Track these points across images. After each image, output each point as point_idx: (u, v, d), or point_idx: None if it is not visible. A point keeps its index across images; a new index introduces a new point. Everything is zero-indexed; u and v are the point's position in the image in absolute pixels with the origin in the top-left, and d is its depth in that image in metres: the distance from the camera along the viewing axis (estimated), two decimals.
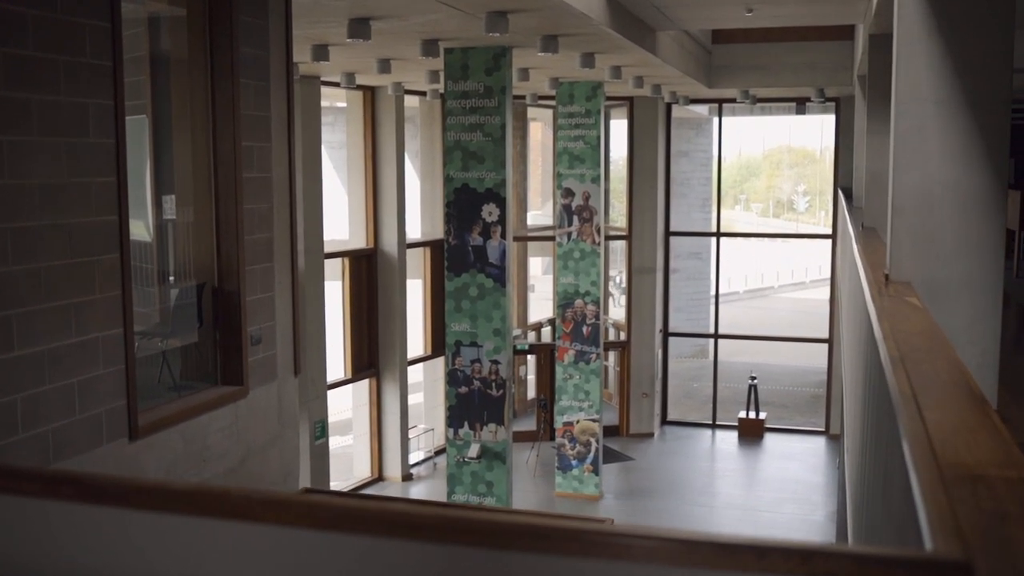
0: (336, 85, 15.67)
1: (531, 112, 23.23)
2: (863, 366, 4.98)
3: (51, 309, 5.28)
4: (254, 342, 7.18)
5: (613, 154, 22.62)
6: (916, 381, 2.82)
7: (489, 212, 12.09)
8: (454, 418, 12.44)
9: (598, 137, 16.92)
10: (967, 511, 1.87)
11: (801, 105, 20.76)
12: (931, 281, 5.68)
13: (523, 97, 19.07)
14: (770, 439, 20.74)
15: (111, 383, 5.80)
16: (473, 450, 12.26)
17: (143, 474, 6.24)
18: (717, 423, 21.64)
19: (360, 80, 15.74)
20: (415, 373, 19.29)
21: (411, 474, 18.16)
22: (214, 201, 6.91)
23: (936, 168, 5.54)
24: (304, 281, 14.53)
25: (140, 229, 8.49)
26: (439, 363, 17.81)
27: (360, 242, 17.57)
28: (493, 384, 12.27)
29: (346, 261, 17.20)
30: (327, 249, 15.86)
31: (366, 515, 1.61)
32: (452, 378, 12.44)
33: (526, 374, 22.77)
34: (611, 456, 19.05)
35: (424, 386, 20.27)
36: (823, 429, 21.00)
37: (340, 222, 18.14)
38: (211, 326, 7.16)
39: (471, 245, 12.14)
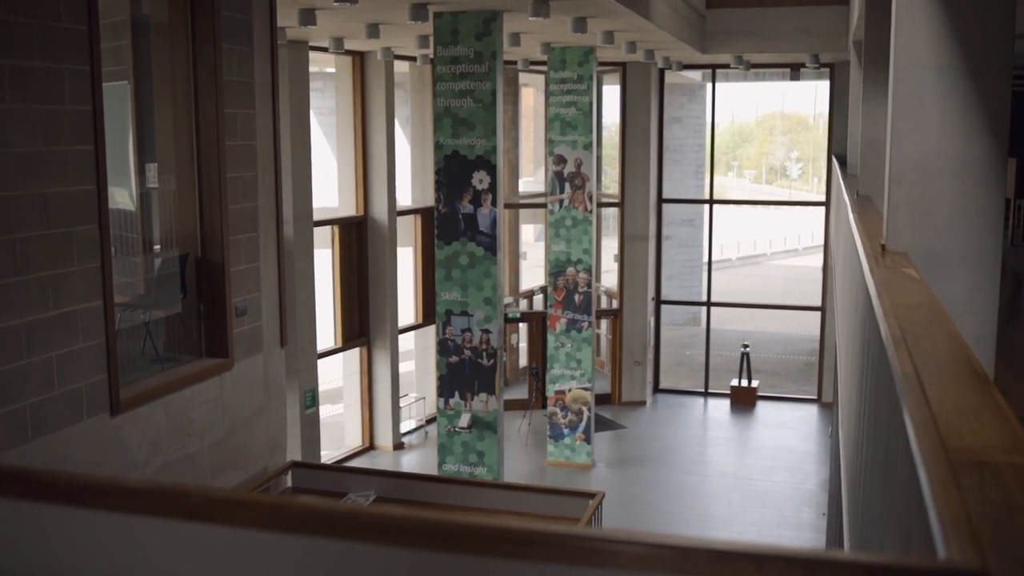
0: (324, 50, 15.45)
1: (523, 78, 23.01)
2: (860, 339, 4.87)
3: (27, 282, 5.15)
4: (239, 313, 7.06)
5: (605, 120, 22.42)
6: (919, 360, 2.71)
7: (480, 179, 11.93)
8: (444, 388, 12.33)
9: (590, 103, 16.74)
10: (975, 503, 1.77)
11: (795, 71, 20.56)
12: (929, 252, 5.57)
13: (514, 63, 18.84)
14: (762, 407, 20.71)
15: (91, 357, 5.69)
16: (464, 420, 12.16)
17: (127, 449, 6.13)
18: (709, 391, 21.59)
19: (349, 45, 15.52)
20: (406, 341, 19.19)
21: (402, 443, 18.10)
22: (196, 169, 6.76)
23: (935, 136, 5.42)
24: (293, 249, 14.39)
25: (124, 198, 8.35)
26: (430, 331, 17.72)
27: (350, 210, 17.40)
28: (484, 354, 12.16)
29: (336, 229, 17.04)
30: (316, 217, 15.70)
31: (335, 518, 1.49)
32: (442, 348, 12.33)
33: (518, 342, 22.68)
34: (603, 424, 19.00)
35: (415, 355, 20.18)
36: (815, 397, 20.97)
37: (330, 190, 17.96)
38: (195, 297, 7.04)
39: (461, 213, 12.00)
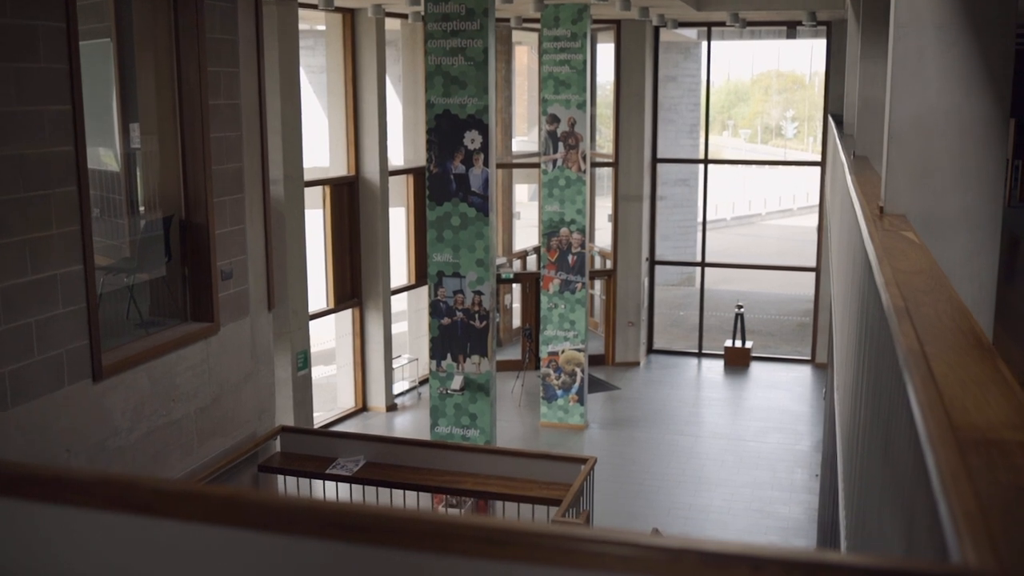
0: (314, 7, 15.19)
1: (516, 36, 22.73)
2: (858, 305, 4.76)
3: (3, 246, 5.01)
4: (224, 277, 6.93)
5: (599, 79, 22.17)
6: (922, 332, 2.60)
7: (472, 139, 11.76)
8: (437, 350, 12.23)
9: (584, 62, 16.51)
10: (984, 486, 1.67)
11: (791, 29, 20.31)
12: (927, 214, 5.46)
13: (507, 20, 18.57)
14: (756, 368, 20.66)
15: (71, 322, 5.56)
16: (456, 382, 12.07)
17: (109, 416, 6.02)
18: (703, 352, 21.52)
19: (339, 2, 15.26)
20: (399, 302, 19.07)
21: (395, 404, 18.04)
22: (179, 129, 6.60)
23: (935, 95, 5.29)
24: (284, 210, 14.22)
25: (108, 158, 8.19)
26: (423, 292, 17.59)
27: (341, 170, 17.21)
28: (476, 315, 12.05)
29: (327, 189, 16.86)
30: (307, 177, 15.50)
31: (294, 513, 1.38)
32: (434, 309, 12.21)
33: (511, 303, 22.57)
34: (596, 385, 18.95)
35: (408, 315, 20.07)
36: (809, 358, 20.92)
37: (321, 149, 17.75)
38: (179, 260, 6.90)
39: (453, 173, 11.84)
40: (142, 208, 7.32)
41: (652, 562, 1.24)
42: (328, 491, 10.08)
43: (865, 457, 3.64)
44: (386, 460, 8.91)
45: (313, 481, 9.09)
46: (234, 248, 7.07)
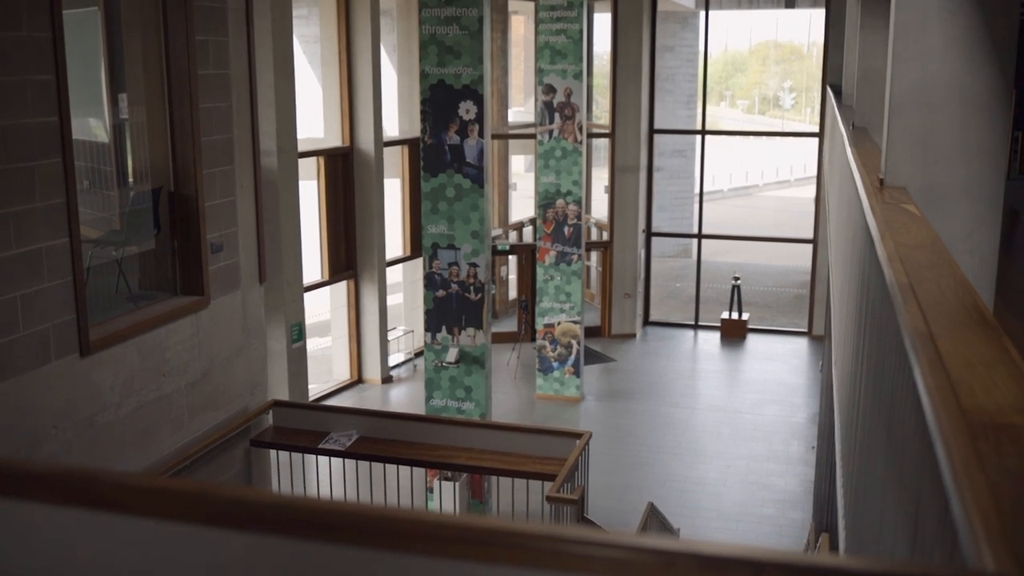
0: None
1: (512, 5, 22.52)
2: (858, 280, 4.68)
3: None
4: (215, 250, 6.83)
5: (596, 49, 21.97)
6: (927, 310, 2.52)
7: (466, 110, 11.63)
8: (432, 322, 12.15)
9: (580, 31, 16.34)
10: (994, 474, 1.59)
11: None
12: (928, 186, 5.38)
13: None
14: (753, 340, 20.61)
15: (58, 297, 5.47)
16: (451, 355, 12.00)
17: (98, 391, 5.94)
18: (699, 324, 21.46)
19: None
20: (394, 274, 18.98)
21: (391, 376, 17.98)
22: (167, 100, 6.48)
23: (937, 65, 5.19)
24: (278, 181, 14.11)
25: (97, 129, 8.07)
26: (419, 264, 17.49)
27: (335, 140, 17.06)
28: (471, 288, 11.96)
29: (321, 160, 16.72)
30: (301, 148, 15.36)
31: (264, 510, 1.29)
32: (429, 281, 12.12)
33: (507, 274, 22.49)
34: (593, 357, 18.89)
35: (404, 287, 19.98)
36: (806, 330, 20.87)
37: (315, 120, 17.60)
38: (169, 233, 6.80)
39: (448, 144, 11.71)
40: (131, 180, 7.21)
41: (644, 565, 1.15)
42: (321, 465, 10.04)
43: (865, 436, 3.56)
44: (379, 434, 8.84)
45: (306, 456, 9.04)
46: (224, 220, 6.97)
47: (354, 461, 9.17)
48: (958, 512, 1.40)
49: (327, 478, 9.98)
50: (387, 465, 9.19)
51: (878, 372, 3.23)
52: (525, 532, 1.19)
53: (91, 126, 8.04)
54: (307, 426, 8.88)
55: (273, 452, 9.03)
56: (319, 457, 9.10)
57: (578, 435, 8.36)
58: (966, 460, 1.52)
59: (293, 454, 9.13)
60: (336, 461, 9.20)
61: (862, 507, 3.48)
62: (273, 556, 1.28)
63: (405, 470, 9.59)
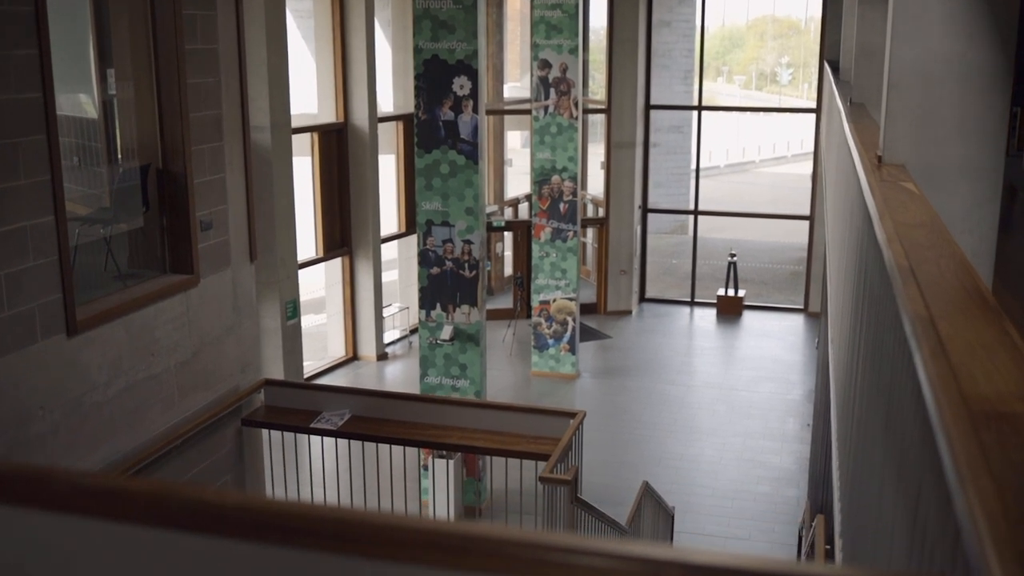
0: None
1: None
2: (856, 259, 4.60)
3: None
4: (204, 227, 6.74)
5: (592, 23, 21.81)
6: (926, 292, 2.45)
7: (460, 85, 11.52)
8: (426, 300, 12.08)
9: (576, 5, 16.19)
10: (997, 466, 1.52)
11: None
12: (927, 164, 5.30)
13: None
14: (748, 316, 20.56)
15: (43, 275, 5.38)
16: (446, 332, 11.94)
17: (86, 371, 5.87)
18: (695, 300, 21.41)
19: None
20: (389, 251, 18.89)
21: (386, 353, 17.93)
22: (155, 75, 6.37)
23: (937, 41, 5.10)
24: (271, 158, 14.00)
25: (87, 105, 7.96)
26: (414, 240, 17.38)
27: (330, 116, 16.93)
28: (466, 265, 11.88)
29: (315, 136, 16.60)
30: (295, 124, 15.25)
31: (228, 513, 1.22)
32: (423, 259, 12.04)
33: (503, 251, 22.40)
34: (588, 334, 18.84)
35: (399, 264, 19.90)
36: (802, 307, 20.82)
37: (309, 95, 17.45)
38: (157, 211, 6.71)
39: (442, 120, 11.60)
40: (120, 157, 7.12)
41: (628, 575, 1.08)
42: (313, 445, 9.98)
43: (863, 420, 3.50)
44: (372, 414, 8.77)
45: (298, 435, 8.98)
46: (214, 198, 6.87)
47: (346, 440, 9.12)
48: (962, 512, 1.33)
49: (320, 457, 9.93)
50: (380, 444, 9.14)
51: (876, 355, 3.17)
52: (505, 539, 1.12)
53: (81, 102, 7.93)
54: (299, 405, 8.82)
55: (265, 431, 8.97)
56: (311, 436, 9.04)
57: (572, 414, 8.30)
58: (970, 457, 1.45)
59: (285, 433, 9.07)
60: (329, 440, 9.15)
61: (858, 492, 3.42)
62: (235, 560, 1.21)
63: (399, 448, 9.54)
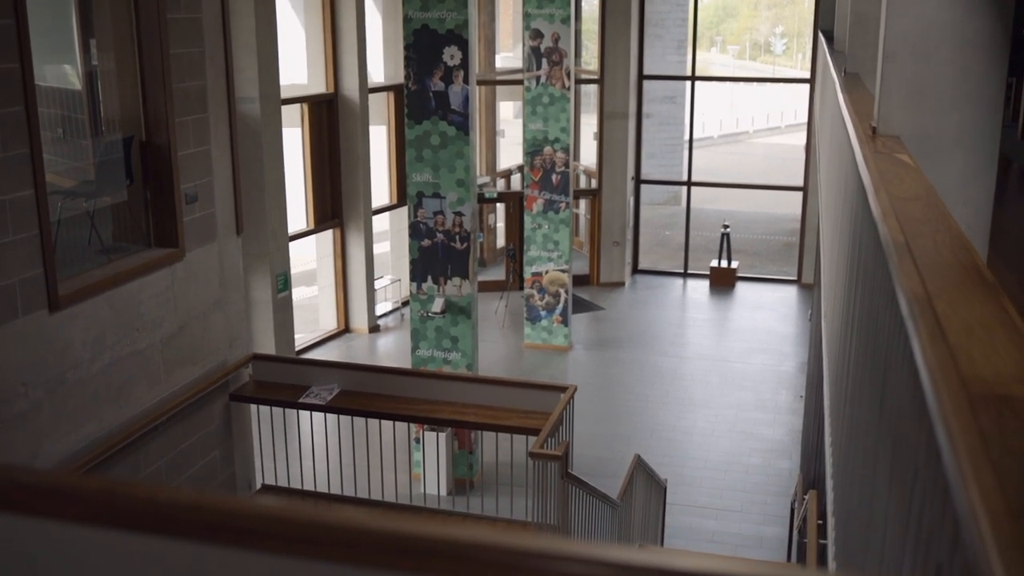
0: None
1: None
2: (849, 230, 4.53)
3: None
4: (189, 200, 6.64)
5: None
6: (923, 269, 2.37)
7: (451, 55, 11.38)
8: (417, 272, 12.00)
9: None
10: (996, 452, 1.45)
11: None
12: (922, 135, 5.22)
13: None
14: (741, 288, 20.51)
15: (24, 250, 5.29)
16: (437, 305, 11.86)
17: (68, 347, 5.78)
18: (688, 272, 21.35)
19: None
20: (381, 222, 18.78)
21: (378, 326, 17.86)
22: (137, 45, 6.25)
23: (934, 10, 5.01)
24: (260, 129, 13.86)
25: (70, 76, 7.84)
26: (406, 212, 17.28)
27: (320, 87, 16.78)
28: (457, 237, 11.79)
29: (305, 107, 16.45)
30: (285, 95, 15.09)
31: (185, 515, 1.15)
32: (414, 231, 11.95)
33: (495, 222, 22.30)
34: (581, 306, 18.78)
35: (390, 236, 19.79)
36: (795, 278, 20.77)
37: (298, 66, 17.28)
38: (141, 184, 6.60)
39: (432, 91, 11.47)
40: (104, 128, 7.01)
41: None
42: (303, 419, 9.93)
43: (856, 397, 3.43)
44: (361, 388, 8.70)
45: (287, 410, 8.91)
46: (199, 170, 6.77)
47: (336, 415, 9.07)
48: (962, 507, 1.26)
49: (309, 431, 9.88)
50: (369, 419, 9.09)
51: (870, 332, 3.10)
52: (475, 543, 1.05)
53: (65, 73, 7.81)
54: (288, 380, 8.74)
55: (253, 407, 8.91)
56: (300, 411, 8.98)
57: (563, 389, 8.24)
58: (971, 449, 1.37)
59: (274, 408, 9.00)
60: (318, 414, 9.09)
61: (851, 471, 3.36)
62: (189, 562, 1.14)
63: (388, 424, 9.48)
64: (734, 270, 20.69)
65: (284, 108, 14.97)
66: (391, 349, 16.94)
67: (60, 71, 7.72)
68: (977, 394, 1.71)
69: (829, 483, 4.23)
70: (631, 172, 20.60)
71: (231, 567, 1.12)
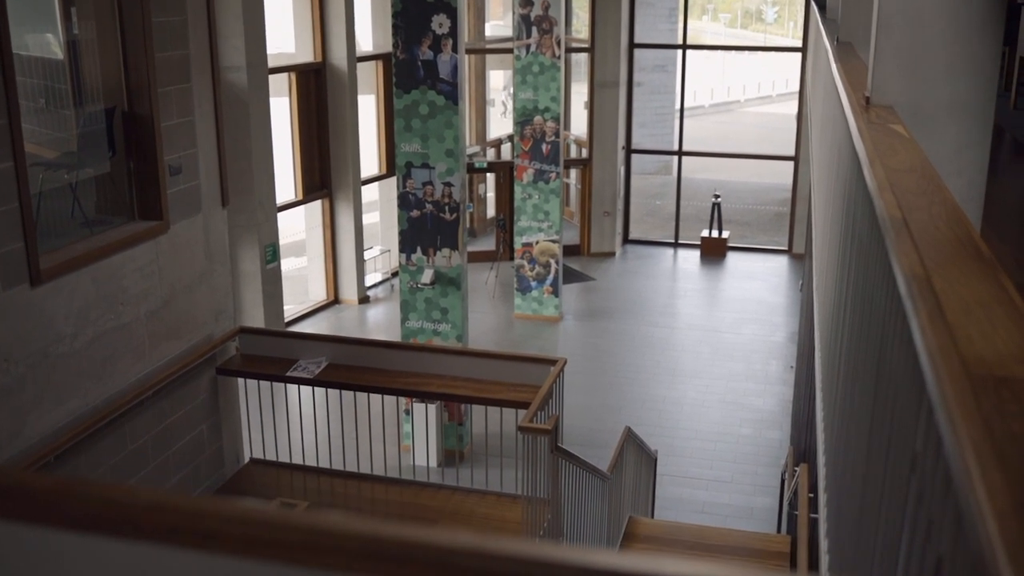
0: None
1: None
2: (842, 202, 4.46)
3: None
4: (173, 172, 6.54)
5: None
6: (919, 245, 2.31)
7: (439, 23, 11.25)
8: (406, 243, 11.91)
9: None
10: (998, 438, 1.40)
11: None
12: (916, 105, 5.14)
13: None
14: (732, 258, 20.46)
15: (4, 224, 5.19)
16: (426, 276, 11.78)
17: (51, 322, 5.70)
18: (679, 242, 21.29)
19: None
20: (370, 192, 18.66)
21: (368, 297, 17.78)
22: (118, 13, 6.13)
23: None
24: (247, 98, 13.72)
25: (52, 45, 7.72)
26: (395, 182, 17.17)
27: (307, 56, 16.60)
28: (446, 208, 11.70)
29: (293, 76, 16.28)
30: (272, 63, 14.93)
31: (143, 514, 1.08)
32: (403, 201, 11.85)
33: (485, 192, 22.19)
34: (571, 276, 18.72)
35: (380, 206, 19.68)
36: (786, 248, 20.73)
37: (285, 34, 17.10)
38: (124, 155, 6.49)
39: (420, 60, 11.34)
40: (86, 99, 6.90)
41: None
42: (291, 392, 9.86)
43: (850, 372, 3.38)
44: (350, 361, 8.64)
45: (274, 384, 8.84)
46: (183, 141, 6.66)
47: (324, 389, 9.00)
48: (965, 499, 1.20)
49: (297, 404, 9.82)
50: (357, 393, 9.02)
51: (865, 307, 3.04)
52: (449, 547, 0.98)
53: (48, 42, 7.69)
54: (275, 353, 8.67)
55: (241, 380, 8.83)
56: (288, 385, 8.91)
57: (553, 362, 8.19)
58: (976, 443, 1.31)
59: (261, 382, 8.93)
60: (307, 388, 9.02)
61: (844, 448, 3.31)
62: (147, 565, 1.07)
63: (376, 398, 9.41)
64: (725, 240, 20.64)
65: (271, 77, 14.81)
66: (381, 320, 16.88)
67: (42, 40, 7.59)
68: (977, 376, 1.66)
69: (821, 458, 4.19)
70: (622, 142, 20.49)
71: (192, 570, 1.06)
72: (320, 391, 9.73)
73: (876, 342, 2.58)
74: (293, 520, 1.02)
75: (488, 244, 20.56)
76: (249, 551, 1.04)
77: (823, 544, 3.53)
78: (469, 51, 20.72)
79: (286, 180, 16.35)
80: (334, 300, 17.56)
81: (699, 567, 0.95)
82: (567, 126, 20.39)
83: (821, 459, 4.14)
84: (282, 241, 15.71)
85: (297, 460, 9.51)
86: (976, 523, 1.13)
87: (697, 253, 20.74)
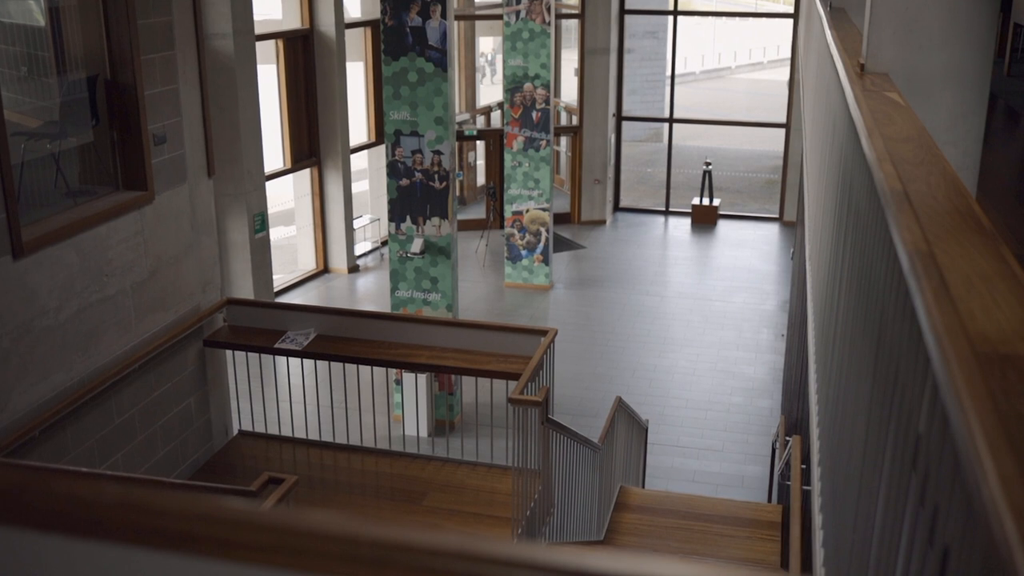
0: None
1: None
2: (837, 171, 4.40)
3: None
4: (158, 141, 6.43)
5: None
6: (921, 218, 2.24)
7: None
8: (395, 212, 11.81)
9: None
10: (1004, 418, 1.34)
11: None
12: (911, 72, 5.07)
13: None
14: (723, 226, 20.40)
15: None
16: (416, 245, 11.70)
17: (34, 295, 5.62)
18: (670, 210, 21.22)
19: None
20: (359, 160, 18.53)
21: (358, 266, 17.69)
22: None
23: None
24: (234, 66, 13.56)
25: (33, 12, 7.60)
26: (384, 150, 17.06)
27: (295, 22, 16.42)
28: (436, 176, 11.60)
29: (280, 43, 16.10)
30: (259, 31, 14.75)
31: (110, 511, 1.02)
32: (392, 170, 11.74)
33: (475, 160, 22.06)
34: (562, 244, 18.65)
35: (369, 174, 19.55)
36: (777, 216, 20.67)
37: (272, 0, 16.90)
38: (107, 125, 6.38)
39: (409, 26, 11.21)
40: (68, 67, 6.78)
41: None
42: (280, 363, 9.80)
43: (845, 349, 3.32)
44: (338, 333, 8.57)
45: (263, 355, 8.78)
46: (167, 110, 6.55)
47: (313, 361, 8.94)
48: (976, 489, 1.15)
49: (287, 376, 9.76)
50: (346, 364, 8.96)
51: (863, 279, 2.98)
52: (433, 549, 0.92)
53: (30, 9, 7.56)
54: (263, 324, 8.60)
55: (229, 352, 8.76)
56: (277, 356, 8.84)
57: (543, 332, 8.13)
58: (987, 430, 1.25)
59: (250, 354, 8.87)
60: (296, 359, 8.95)
61: (839, 421, 3.26)
62: (114, 567, 1.01)
63: (365, 370, 9.35)
64: (716, 208, 20.57)
65: (259, 44, 14.64)
66: (371, 290, 16.81)
67: (24, 7, 7.46)
68: (981, 354, 1.60)
69: (815, 431, 4.15)
70: (612, 109, 20.37)
71: (162, 574, 1.00)
72: (309, 362, 9.66)
73: (875, 317, 2.52)
74: (269, 520, 0.96)
75: (478, 212, 20.46)
76: (224, 553, 0.97)
77: (816, 520, 3.49)
78: (458, 17, 20.53)
79: (274, 149, 16.21)
80: (323, 269, 17.47)
81: (688, 570, 0.89)
82: (557, 93, 20.25)
83: (815, 432, 4.10)
84: (271, 210, 15.59)
85: (286, 432, 9.46)
86: (988, 510, 1.08)
87: (688, 221, 20.68)
